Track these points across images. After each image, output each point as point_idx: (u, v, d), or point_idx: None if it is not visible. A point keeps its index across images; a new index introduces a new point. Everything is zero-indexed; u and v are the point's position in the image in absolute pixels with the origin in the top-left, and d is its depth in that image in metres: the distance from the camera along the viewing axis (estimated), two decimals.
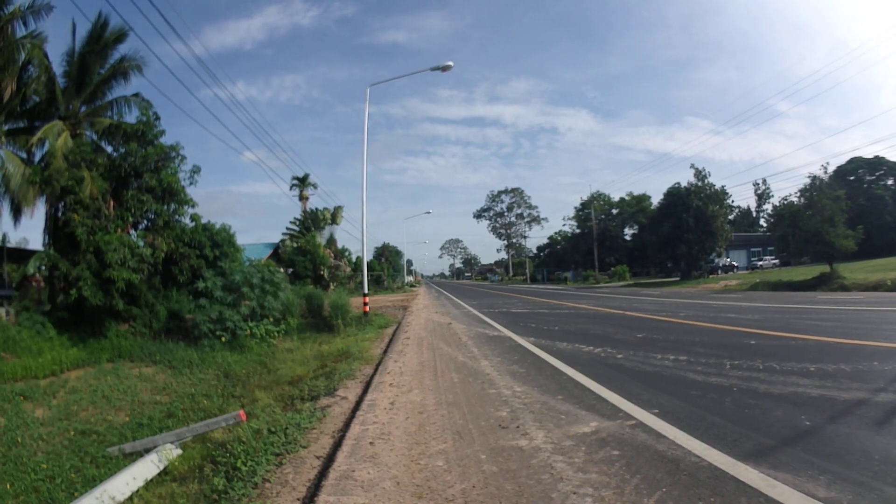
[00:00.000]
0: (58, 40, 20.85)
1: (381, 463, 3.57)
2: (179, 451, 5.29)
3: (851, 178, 47.93)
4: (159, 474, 4.85)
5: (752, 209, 74.04)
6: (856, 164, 50.31)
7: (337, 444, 4.13)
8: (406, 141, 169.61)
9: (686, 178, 50.26)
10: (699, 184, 37.38)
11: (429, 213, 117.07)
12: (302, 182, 42.09)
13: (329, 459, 3.80)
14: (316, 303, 16.56)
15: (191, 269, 17.46)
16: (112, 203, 16.07)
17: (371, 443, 4.03)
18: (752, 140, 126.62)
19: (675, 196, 37.85)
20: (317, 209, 40.58)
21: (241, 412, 5.36)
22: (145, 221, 17.05)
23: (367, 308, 16.86)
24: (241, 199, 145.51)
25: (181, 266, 17.68)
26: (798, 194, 26.04)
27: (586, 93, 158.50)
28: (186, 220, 17.59)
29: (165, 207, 16.83)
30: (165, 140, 17.20)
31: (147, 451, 5.42)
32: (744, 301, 16.88)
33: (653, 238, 40.71)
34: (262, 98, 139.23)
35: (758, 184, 73.29)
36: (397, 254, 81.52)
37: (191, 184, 18.03)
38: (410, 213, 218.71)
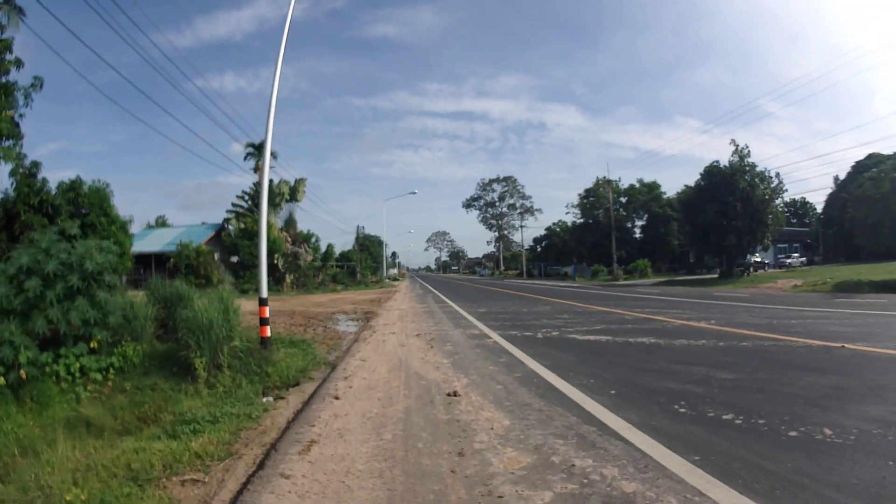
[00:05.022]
0: None
1: None
2: None
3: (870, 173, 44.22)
4: None
5: None
6: (875, 160, 46.01)
7: None
8: (394, 135, 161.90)
9: (672, 176, 43.45)
10: (740, 162, 31.22)
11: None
12: (257, 150, 30.24)
13: None
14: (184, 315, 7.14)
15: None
16: None
17: None
18: (741, 140, 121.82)
19: (717, 176, 30.69)
20: (271, 180, 32.52)
21: None
22: None
23: (268, 331, 7.66)
24: (229, 189, 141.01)
25: (20, 240, 10.79)
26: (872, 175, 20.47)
27: (575, 90, 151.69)
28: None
29: None
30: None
31: None
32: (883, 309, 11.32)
33: (686, 228, 34.05)
34: (251, 89, 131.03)
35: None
36: (379, 244, 74.33)
37: (25, 105, 13.54)
38: (396, 207, 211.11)
